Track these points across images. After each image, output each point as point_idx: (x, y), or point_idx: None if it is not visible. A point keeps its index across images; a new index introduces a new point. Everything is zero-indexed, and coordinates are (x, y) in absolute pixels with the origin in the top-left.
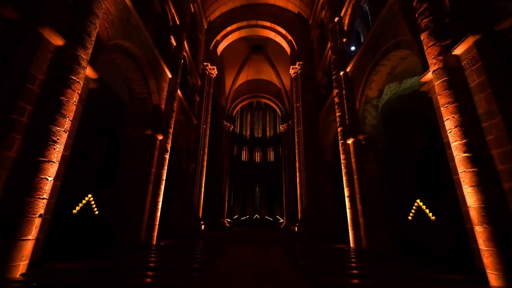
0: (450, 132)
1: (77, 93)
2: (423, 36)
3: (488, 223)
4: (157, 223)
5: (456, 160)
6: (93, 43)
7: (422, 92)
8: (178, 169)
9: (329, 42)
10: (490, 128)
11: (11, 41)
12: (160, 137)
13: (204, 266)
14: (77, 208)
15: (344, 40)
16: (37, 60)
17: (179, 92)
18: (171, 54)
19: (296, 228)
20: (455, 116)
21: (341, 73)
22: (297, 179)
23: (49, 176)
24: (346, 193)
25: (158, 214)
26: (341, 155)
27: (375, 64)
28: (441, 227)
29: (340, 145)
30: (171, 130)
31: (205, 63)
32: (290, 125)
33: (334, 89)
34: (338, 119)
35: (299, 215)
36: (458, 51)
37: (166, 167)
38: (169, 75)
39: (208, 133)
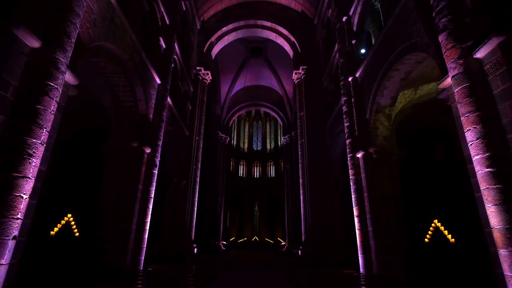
0: (471, 144)
1: (55, 101)
2: (441, 38)
3: None
4: (145, 245)
5: (478, 175)
6: (73, 45)
7: (440, 100)
8: (168, 186)
9: (337, 44)
10: None
11: None
12: (148, 150)
13: None
14: (56, 229)
15: (353, 42)
16: (10, 64)
17: (169, 100)
18: (160, 57)
19: (299, 251)
20: (477, 127)
21: (350, 79)
22: (301, 197)
23: (24, 194)
24: (355, 212)
25: (146, 235)
26: (350, 170)
27: (388, 68)
28: (461, 251)
29: (348, 159)
30: (160, 143)
31: (198, 68)
32: (292, 137)
33: (342, 96)
34: (346, 130)
35: (303, 237)
36: (480, 54)
37: (154, 184)
38: (158, 81)
39: (201, 145)
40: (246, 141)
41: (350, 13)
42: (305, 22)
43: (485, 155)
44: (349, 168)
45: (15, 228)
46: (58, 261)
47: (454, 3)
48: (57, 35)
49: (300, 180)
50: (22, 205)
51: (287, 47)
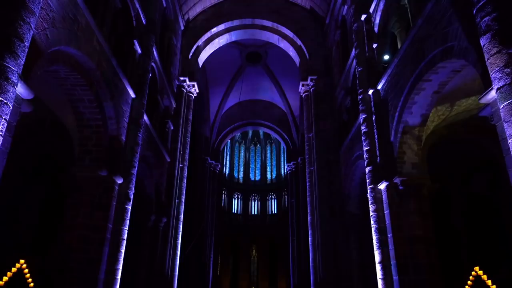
0: None
1: (4, 119)
2: (483, 41)
3: None
4: None
5: None
6: (27, 50)
7: (482, 118)
8: (144, 225)
9: (354, 49)
10: None
11: None
12: (120, 181)
13: None
14: (5, 278)
15: (374, 46)
16: None
17: (146, 118)
18: (135, 65)
19: None
20: None
21: (370, 92)
22: (309, 239)
23: None
24: (377, 257)
25: (117, 286)
26: (370, 206)
27: (418, 79)
28: None
29: (368, 191)
30: (134, 171)
31: (181, 78)
32: (299, 164)
33: (360, 113)
34: (365, 155)
35: None
36: None
37: (128, 222)
38: (132, 95)
39: (185, 175)
40: (242, 169)
41: (371, 10)
42: (315, 22)
43: None
44: (370, 202)
45: None
46: None
47: None
48: (7, 37)
49: (309, 218)
50: None
51: (292, 52)
